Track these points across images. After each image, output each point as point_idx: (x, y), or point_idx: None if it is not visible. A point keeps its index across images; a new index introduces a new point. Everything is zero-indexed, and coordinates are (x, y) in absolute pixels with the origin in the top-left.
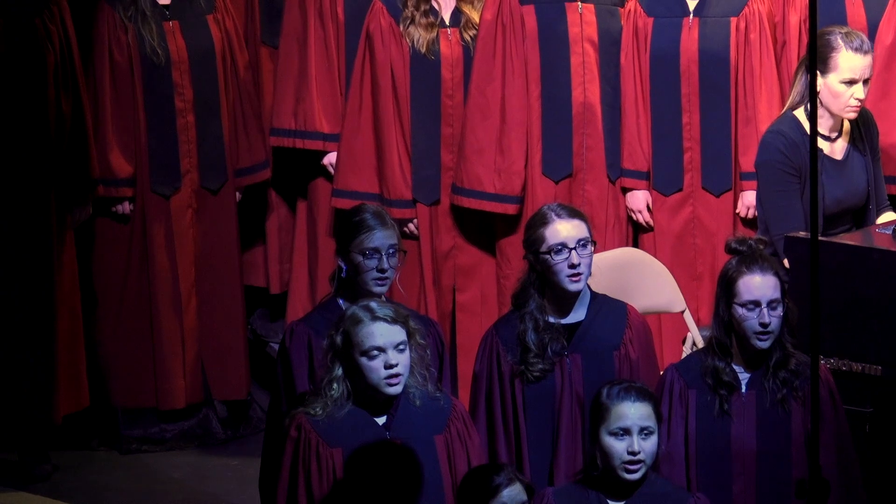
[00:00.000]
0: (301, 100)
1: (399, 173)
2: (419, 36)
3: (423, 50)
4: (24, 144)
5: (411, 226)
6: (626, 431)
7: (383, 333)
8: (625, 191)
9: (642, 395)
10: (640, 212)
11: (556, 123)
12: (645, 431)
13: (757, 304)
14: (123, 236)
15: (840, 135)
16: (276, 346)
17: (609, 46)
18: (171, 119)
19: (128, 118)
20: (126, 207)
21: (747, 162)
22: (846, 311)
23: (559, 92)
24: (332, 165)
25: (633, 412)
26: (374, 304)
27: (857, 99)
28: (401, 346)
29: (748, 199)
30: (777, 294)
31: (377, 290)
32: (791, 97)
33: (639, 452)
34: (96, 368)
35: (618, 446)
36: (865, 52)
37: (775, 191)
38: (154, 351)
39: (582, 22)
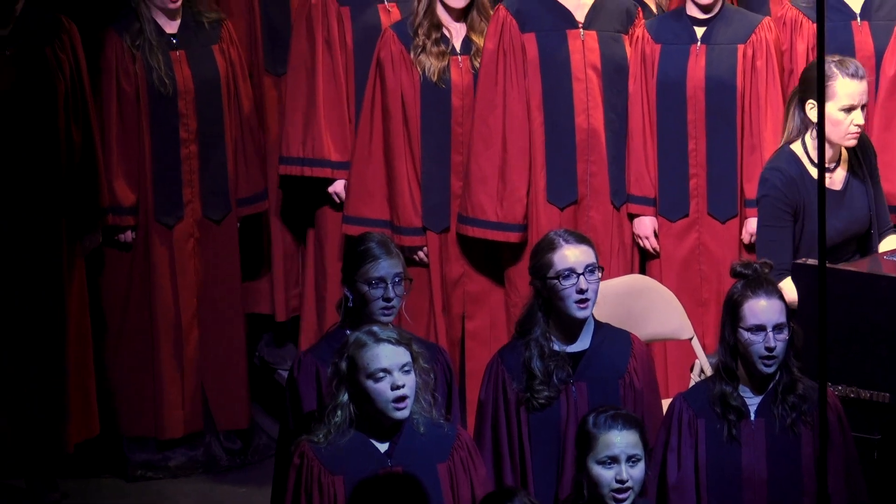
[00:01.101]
0: (309, 128)
1: (409, 201)
2: (430, 64)
3: (434, 78)
4: (35, 173)
5: (421, 253)
6: (613, 460)
7: (388, 355)
8: (631, 217)
9: (629, 422)
10: (646, 238)
11: (560, 150)
12: (632, 459)
13: (762, 328)
14: (125, 264)
15: (838, 164)
16: (284, 373)
17: (612, 73)
18: (175, 149)
19: (133, 147)
20: (129, 236)
21: (752, 189)
22: (854, 339)
23: (562, 119)
24: (337, 194)
25: (620, 440)
26: (376, 328)
27: (856, 125)
28: (406, 368)
29: (752, 226)
30: (782, 318)
31: (383, 319)
32: (787, 131)
33: (627, 480)
34: (102, 396)
35: (606, 475)
36: (861, 78)
37: (766, 225)
38: (154, 380)
39: (584, 49)
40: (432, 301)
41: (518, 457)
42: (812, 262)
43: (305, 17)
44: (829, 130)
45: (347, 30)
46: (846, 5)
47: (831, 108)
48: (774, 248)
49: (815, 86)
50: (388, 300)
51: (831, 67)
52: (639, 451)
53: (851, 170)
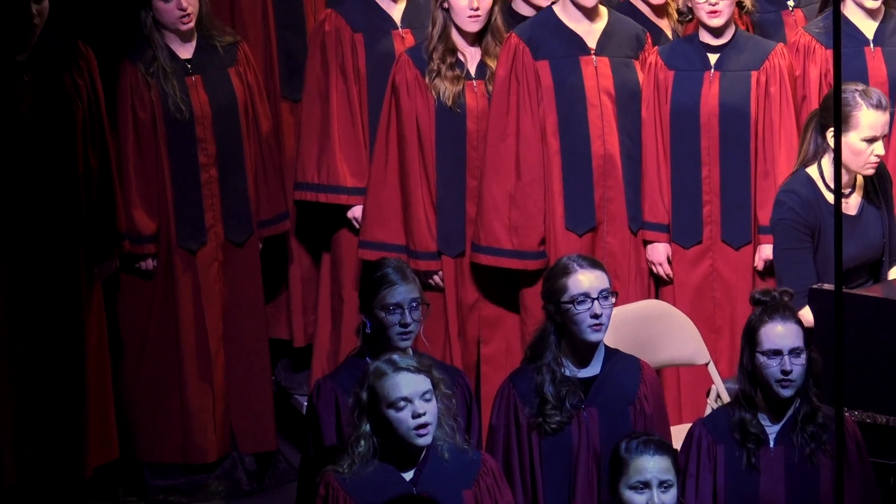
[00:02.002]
0: (324, 154)
1: (425, 225)
2: (445, 88)
3: (449, 102)
4: (53, 198)
5: (436, 277)
6: (645, 485)
7: (409, 384)
8: (646, 243)
9: (661, 448)
10: (660, 264)
11: (577, 177)
12: (665, 484)
13: (778, 352)
14: (146, 292)
15: (854, 190)
16: (300, 398)
17: (626, 98)
18: (195, 174)
19: (152, 175)
20: (150, 264)
21: (765, 216)
22: (871, 364)
23: (579, 145)
24: (356, 219)
25: (653, 465)
26: (396, 357)
27: (877, 155)
28: (427, 396)
29: (765, 253)
30: (799, 342)
31: (401, 344)
32: (803, 154)
33: None
34: (122, 421)
35: (638, 500)
36: (885, 109)
37: (786, 248)
38: (182, 406)
39: (597, 75)
40: (447, 325)
41: (530, 482)
42: (828, 286)
43: (319, 44)
44: (849, 159)
45: (361, 56)
46: (859, 31)
47: (853, 137)
48: (796, 270)
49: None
50: (405, 326)
51: (855, 97)
52: (671, 476)
53: (867, 196)
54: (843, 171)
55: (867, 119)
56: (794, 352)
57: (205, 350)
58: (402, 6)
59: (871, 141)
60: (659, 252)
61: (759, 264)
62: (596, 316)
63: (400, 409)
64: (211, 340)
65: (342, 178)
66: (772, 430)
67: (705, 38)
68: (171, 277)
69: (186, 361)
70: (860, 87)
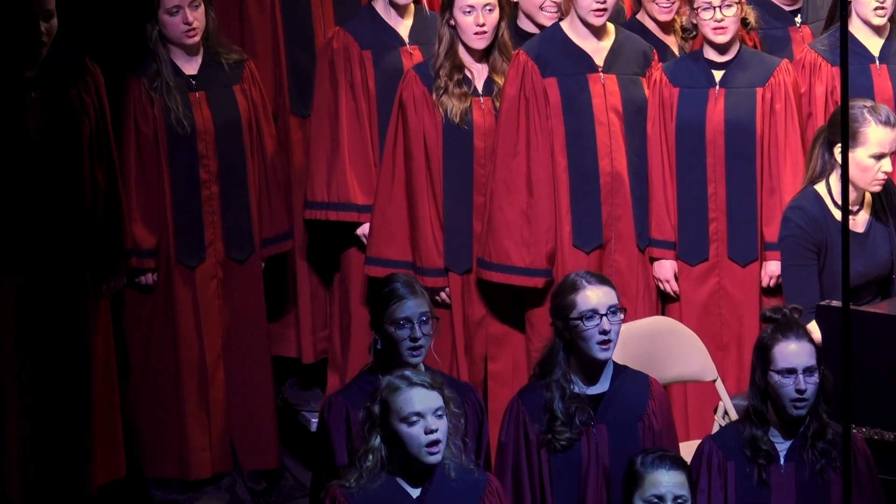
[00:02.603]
0: (334, 172)
1: (431, 242)
2: (452, 105)
3: (457, 119)
4: (60, 215)
5: (443, 294)
6: (660, 499)
7: (422, 399)
8: (652, 260)
9: (676, 463)
10: (667, 281)
11: (585, 194)
12: (679, 499)
13: (793, 371)
14: (147, 306)
15: (862, 207)
16: (308, 415)
17: (633, 115)
18: (196, 190)
19: (153, 189)
20: (149, 279)
21: (771, 232)
22: (878, 380)
23: (586, 162)
24: (365, 237)
25: (668, 480)
26: (409, 372)
27: (884, 172)
28: (439, 412)
29: (772, 269)
30: (813, 361)
31: (412, 360)
32: (810, 171)
33: None
34: (128, 437)
35: None
36: (893, 126)
37: (792, 265)
38: (179, 422)
39: (605, 92)
40: (454, 342)
41: (539, 499)
42: (836, 303)
43: (328, 61)
44: (857, 175)
45: (370, 73)
46: (865, 49)
47: (861, 153)
48: (801, 287)
49: (849, 128)
50: (415, 340)
51: (864, 114)
52: (685, 492)
53: (875, 213)
54: (851, 188)
55: (875, 135)
56: (808, 370)
57: (203, 366)
58: (409, 22)
59: (878, 157)
60: (666, 269)
61: (766, 280)
62: (604, 332)
63: (412, 424)
64: (208, 357)
65: (352, 196)
66: (782, 447)
67: (710, 54)
68: (171, 293)
69: (184, 377)
70: (869, 103)
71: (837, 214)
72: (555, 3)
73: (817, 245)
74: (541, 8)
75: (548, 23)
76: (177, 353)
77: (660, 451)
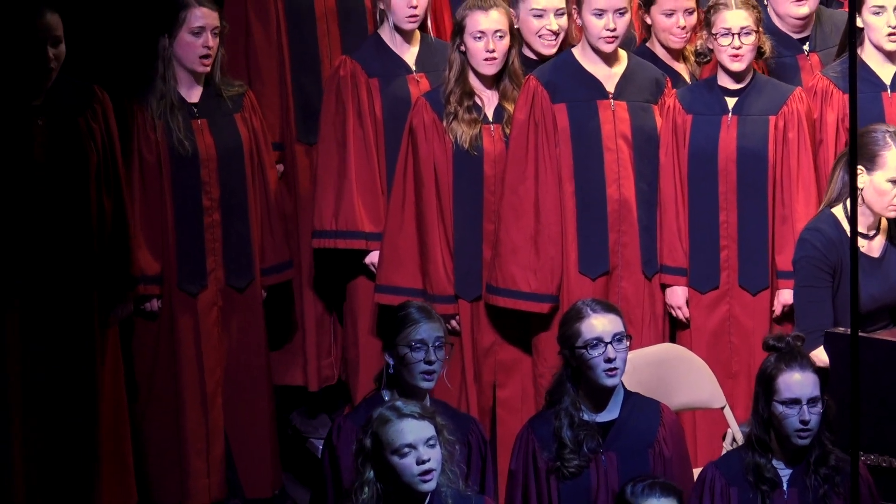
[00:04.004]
0: (341, 200)
1: (442, 269)
2: (462, 132)
3: (467, 146)
4: (68, 242)
5: (453, 322)
6: None
7: (413, 430)
8: (664, 287)
9: (666, 490)
10: (679, 308)
11: (592, 221)
12: None
13: (797, 401)
14: (151, 333)
15: (878, 232)
16: (316, 442)
17: (643, 143)
18: (198, 217)
19: (156, 216)
20: (154, 305)
21: (783, 261)
22: (885, 407)
23: (594, 189)
24: (373, 265)
25: None
26: (399, 403)
27: None
28: (431, 442)
29: (784, 298)
30: (816, 391)
31: (424, 385)
32: (829, 194)
33: None
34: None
35: None
36: None
37: (807, 286)
38: (179, 448)
39: (615, 119)
40: (464, 369)
41: None
42: (843, 330)
43: (335, 89)
44: (873, 200)
45: (376, 101)
46: (877, 76)
47: (879, 178)
48: (814, 309)
49: (868, 151)
50: (429, 363)
51: (885, 138)
52: None
53: (891, 238)
54: (868, 213)
55: (894, 160)
56: (812, 401)
57: (203, 393)
58: (415, 50)
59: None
60: (678, 296)
61: (778, 309)
62: (609, 360)
63: (404, 456)
64: (208, 384)
65: (360, 224)
66: (784, 473)
67: (724, 81)
68: (172, 320)
69: (185, 404)
70: (891, 128)
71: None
72: (551, 31)
73: (832, 267)
74: (538, 35)
75: (544, 51)
76: (178, 380)
77: (650, 479)
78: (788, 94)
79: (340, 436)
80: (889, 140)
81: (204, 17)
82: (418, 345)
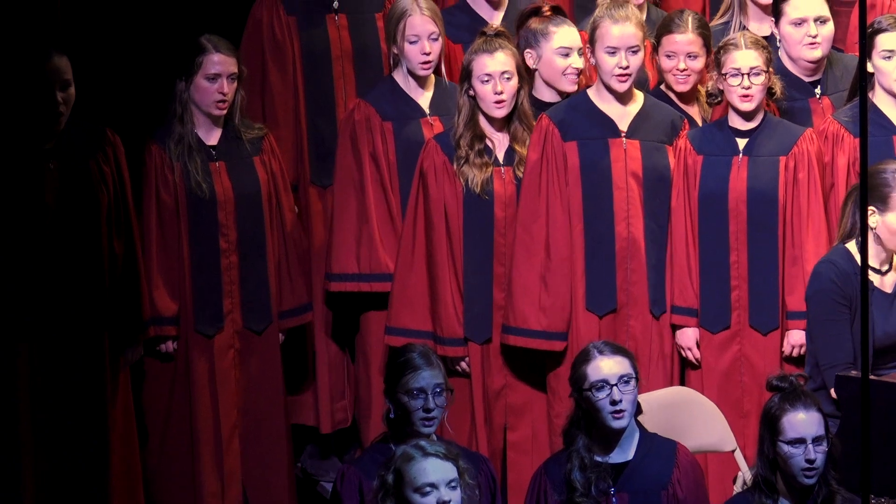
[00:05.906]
0: (362, 243)
1: (452, 311)
2: (473, 175)
3: (477, 189)
4: (78, 286)
5: (463, 364)
6: None
7: (436, 470)
8: (674, 328)
9: None
10: (689, 349)
11: (600, 258)
12: None
13: (802, 441)
14: (167, 375)
15: (891, 268)
16: (326, 485)
17: (654, 182)
18: (216, 259)
19: (173, 257)
20: (170, 346)
21: (794, 301)
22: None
23: (602, 227)
24: None
25: None
26: (424, 443)
27: None
28: (452, 483)
29: (794, 339)
30: (821, 430)
31: (424, 430)
32: (841, 229)
33: None
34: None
35: None
36: None
37: (825, 320)
38: (195, 492)
39: (626, 157)
40: (474, 412)
41: None
42: (855, 374)
43: (350, 133)
44: (886, 238)
45: (390, 144)
46: (888, 120)
47: (891, 218)
48: (833, 343)
49: (879, 192)
50: (428, 411)
51: (895, 177)
52: None
53: None
54: (880, 250)
55: None
56: (817, 440)
57: (218, 436)
58: (429, 94)
59: None
60: (688, 336)
61: (787, 349)
62: (615, 402)
63: (425, 495)
64: (224, 427)
65: (384, 266)
66: None
67: (735, 122)
68: (188, 361)
69: (200, 447)
70: None
71: (868, 273)
72: (576, 69)
73: (848, 299)
74: (563, 74)
75: (570, 89)
76: (193, 422)
77: None
78: (799, 135)
79: (344, 483)
80: None
81: (220, 63)
82: (417, 392)
